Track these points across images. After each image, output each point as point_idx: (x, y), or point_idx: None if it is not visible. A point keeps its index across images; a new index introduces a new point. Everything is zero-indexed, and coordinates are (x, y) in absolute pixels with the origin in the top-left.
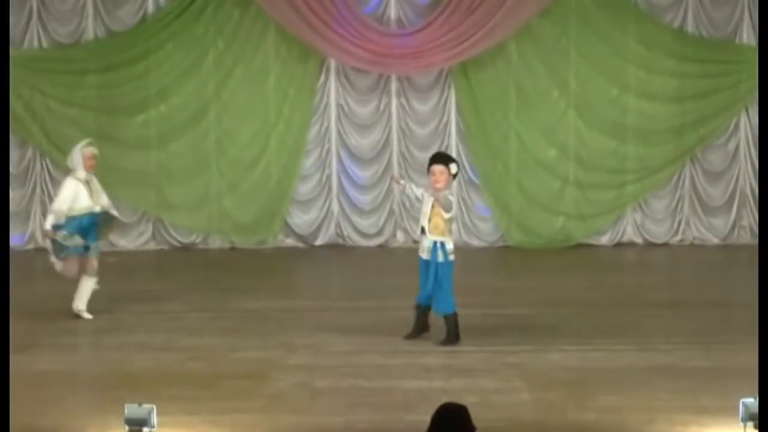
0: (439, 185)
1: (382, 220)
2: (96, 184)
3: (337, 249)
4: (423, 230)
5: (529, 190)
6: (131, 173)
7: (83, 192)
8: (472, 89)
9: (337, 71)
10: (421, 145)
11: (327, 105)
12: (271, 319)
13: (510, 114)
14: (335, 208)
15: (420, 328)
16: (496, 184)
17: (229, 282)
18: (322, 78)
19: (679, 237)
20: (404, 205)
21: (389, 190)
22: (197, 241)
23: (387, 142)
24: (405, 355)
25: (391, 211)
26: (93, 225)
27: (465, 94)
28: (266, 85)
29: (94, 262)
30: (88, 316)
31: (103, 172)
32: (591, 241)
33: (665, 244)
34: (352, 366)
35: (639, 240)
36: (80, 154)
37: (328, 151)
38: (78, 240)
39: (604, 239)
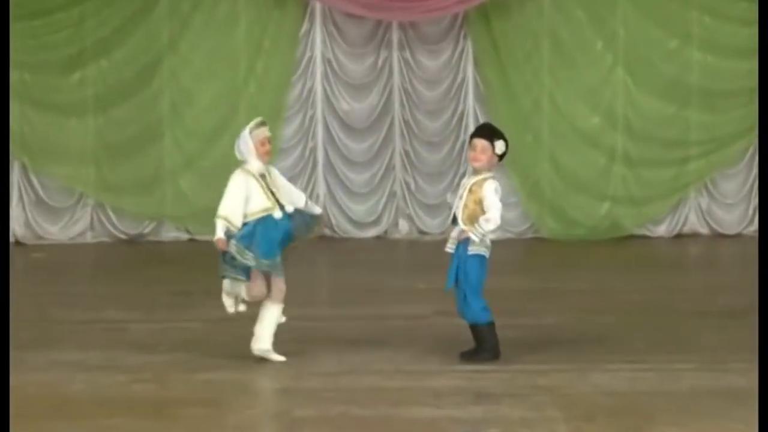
0: (478, 164)
1: (380, 206)
2: (277, 176)
3: (324, 242)
4: (455, 219)
5: (566, 168)
6: (64, 145)
7: (256, 189)
8: (494, 41)
9: (324, 17)
10: (430, 111)
11: (311, 60)
12: (241, 331)
13: (542, 72)
14: (321, 189)
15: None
16: (525, 160)
17: (187, 283)
18: (305, 26)
19: (754, 226)
20: (408, 187)
21: (389, 168)
22: (147, 231)
23: (386, 107)
24: (408, 375)
25: (392, 194)
26: (279, 232)
27: (485, 46)
28: (234, 35)
29: (281, 284)
30: (278, 358)
31: (29, 143)
32: (644, 231)
33: (737, 236)
34: (342, 389)
35: (704, 230)
36: (250, 138)
37: (313, 117)
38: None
39: (661, 229)
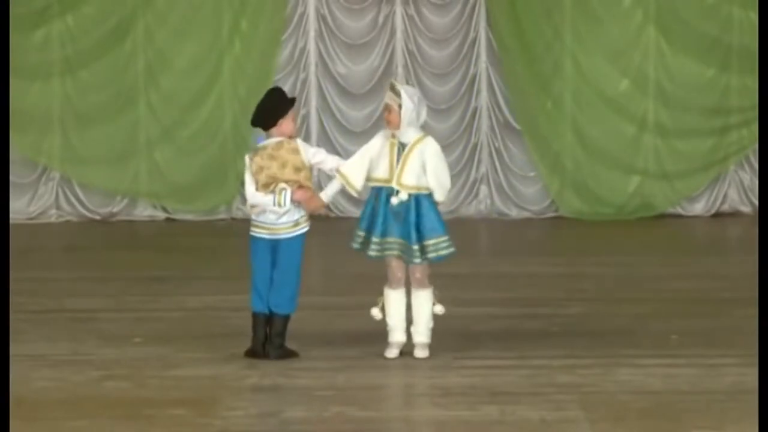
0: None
1: None
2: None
3: (318, 221)
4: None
5: (590, 139)
6: (26, 112)
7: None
8: None
9: None
10: (437, 75)
11: (304, 16)
12: (223, 322)
13: (564, 30)
14: None
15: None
16: (545, 129)
17: (164, 268)
18: None
19: None
20: None
21: None
22: (118, 209)
23: (388, 70)
24: (412, 372)
25: None
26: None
27: (500, 0)
28: None
29: (417, 270)
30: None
31: None
32: (678, 210)
33: None
34: (337, 388)
35: (746, 208)
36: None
37: (305, 81)
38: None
39: (698, 208)
